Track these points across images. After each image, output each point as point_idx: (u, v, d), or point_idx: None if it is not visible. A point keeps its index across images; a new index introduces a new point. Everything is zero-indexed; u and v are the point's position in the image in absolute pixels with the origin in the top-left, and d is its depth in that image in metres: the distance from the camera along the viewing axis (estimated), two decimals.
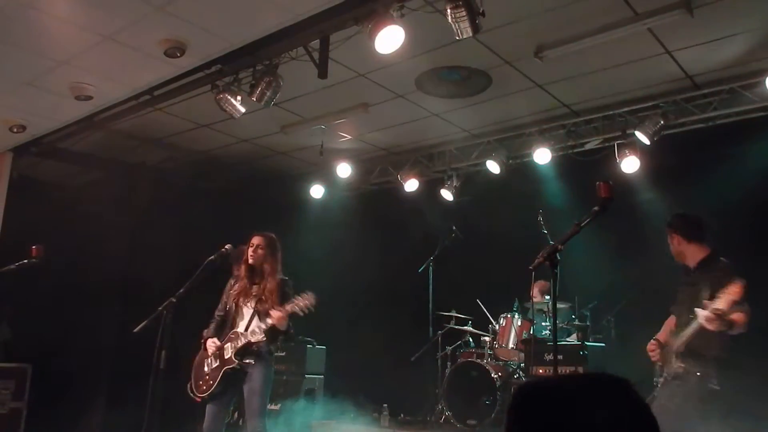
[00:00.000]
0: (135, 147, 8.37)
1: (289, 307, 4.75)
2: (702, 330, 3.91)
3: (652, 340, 4.44)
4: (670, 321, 4.50)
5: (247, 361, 4.85)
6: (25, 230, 6.95)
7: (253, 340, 4.84)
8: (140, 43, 5.30)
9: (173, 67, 5.70)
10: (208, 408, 4.89)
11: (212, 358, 4.94)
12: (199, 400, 4.91)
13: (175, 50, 5.31)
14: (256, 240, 5.07)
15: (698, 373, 4.03)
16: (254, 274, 5.06)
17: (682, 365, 4.08)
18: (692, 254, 4.36)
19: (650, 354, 4.37)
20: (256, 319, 4.89)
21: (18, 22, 5.02)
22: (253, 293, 4.97)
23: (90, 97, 6.25)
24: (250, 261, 5.02)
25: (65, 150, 8.05)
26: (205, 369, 4.94)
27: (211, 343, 4.99)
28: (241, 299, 5.01)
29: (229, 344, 4.90)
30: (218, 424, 4.88)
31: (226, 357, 4.86)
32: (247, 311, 4.96)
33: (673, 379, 4.17)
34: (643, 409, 1.29)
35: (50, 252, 5.69)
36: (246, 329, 4.89)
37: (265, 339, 4.85)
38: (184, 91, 6.27)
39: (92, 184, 9.26)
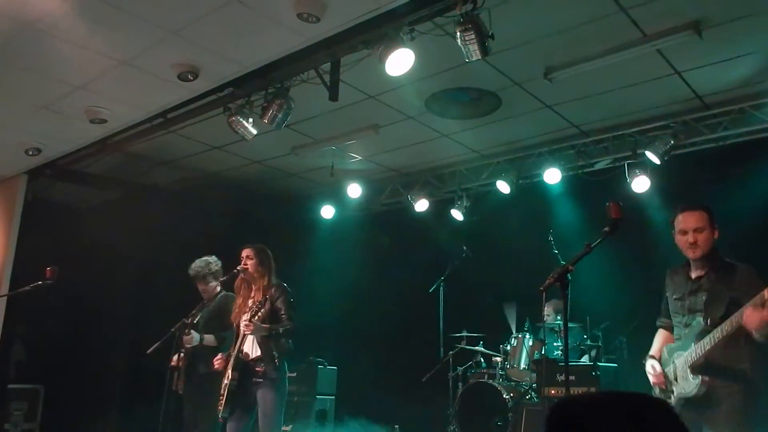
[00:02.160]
0: (148, 169, 8.45)
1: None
2: (733, 336, 3.39)
3: (650, 360, 3.87)
4: (665, 337, 3.99)
5: (256, 379, 4.88)
6: (40, 252, 7.01)
7: (246, 357, 4.95)
8: (154, 67, 5.39)
9: (186, 91, 5.79)
10: (228, 426, 4.92)
11: (224, 377, 5.00)
12: (220, 418, 4.96)
13: (189, 74, 5.39)
14: (245, 252, 5.18)
15: (739, 389, 3.48)
16: (250, 288, 5.11)
17: (706, 379, 3.48)
18: (709, 257, 3.75)
19: (654, 377, 3.78)
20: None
21: (35, 48, 5.12)
22: (249, 307, 5.02)
23: (104, 120, 6.34)
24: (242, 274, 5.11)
25: (79, 172, 8.13)
26: (221, 389, 4.99)
27: (217, 360, 5.06)
28: (239, 317, 5.07)
29: (230, 362, 4.97)
30: None
31: (229, 375, 4.91)
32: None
33: (693, 400, 3.52)
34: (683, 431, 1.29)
35: (63, 273, 5.75)
36: (242, 344, 4.97)
37: (260, 353, 4.92)
38: (197, 113, 6.33)
39: (106, 205, 9.34)
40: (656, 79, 6.00)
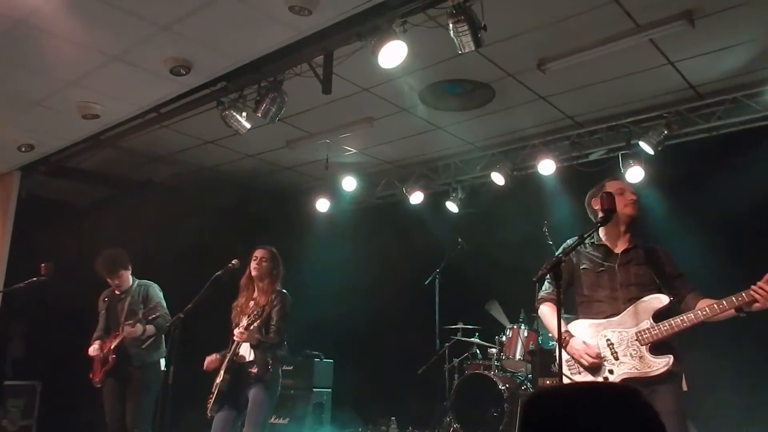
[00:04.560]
0: (142, 164, 8.44)
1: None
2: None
3: (575, 339, 3.48)
4: (556, 312, 3.42)
5: (248, 381, 4.89)
6: (34, 248, 7.00)
7: (237, 359, 4.93)
8: (146, 62, 5.37)
9: (179, 85, 5.77)
10: (214, 422, 4.93)
11: (216, 377, 5.00)
12: (208, 416, 4.96)
13: (181, 68, 5.38)
14: (259, 253, 5.13)
15: (681, 369, 3.36)
16: (254, 289, 5.10)
17: (671, 358, 3.26)
18: (633, 232, 3.63)
19: (590, 357, 3.40)
20: None
21: (26, 44, 5.10)
22: (249, 309, 5.00)
23: (97, 116, 6.32)
24: (254, 273, 5.09)
25: (73, 168, 8.11)
26: (212, 388, 5.00)
27: (209, 361, 5.04)
28: (239, 316, 5.06)
29: (224, 360, 4.97)
30: None
31: (221, 376, 4.91)
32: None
33: (638, 380, 3.28)
34: (653, 419, 1.29)
35: (59, 269, 5.74)
36: (238, 347, 4.95)
37: (253, 358, 4.92)
38: (190, 108, 6.32)
39: (100, 201, 9.32)
40: (649, 69, 6.00)
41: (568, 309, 3.80)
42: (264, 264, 5.07)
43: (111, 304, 5.91)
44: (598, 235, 3.66)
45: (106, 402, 5.75)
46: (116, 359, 5.60)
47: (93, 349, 5.74)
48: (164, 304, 5.86)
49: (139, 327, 5.55)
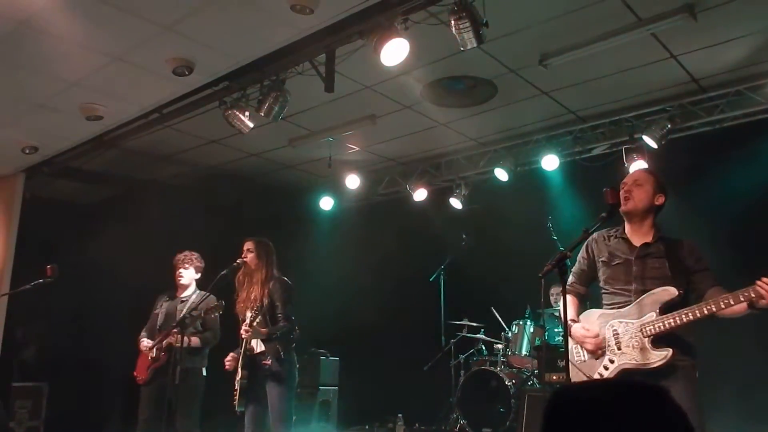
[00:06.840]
0: (145, 164, 8.44)
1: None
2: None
3: (578, 324, 3.55)
4: (577, 303, 3.73)
5: (263, 373, 4.90)
6: (39, 250, 7.02)
7: (252, 352, 4.96)
8: (149, 62, 5.38)
9: (182, 85, 5.78)
10: (246, 418, 4.96)
11: (236, 375, 5.02)
12: (237, 412, 4.99)
13: (183, 68, 5.38)
14: (247, 245, 5.17)
15: (691, 363, 3.32)
16: (251, 281, 5.11)
17: (670, 352, 3.24)
18: (649, 225, 3.57)
19: (592, 341, 3.46)
20: None
21: (28, 46, 5.11)
22: (251, 302, 5.02)
23: (100, 117, 6.33)
24: (246, 267, 5.10)
25: (77, 169, 8.12)
26: (234, 385, 5.02)
27: (229, 360, 5.06)
28: (243, 311, 5.08)
29: (239, 360, 4.99)
30: None
31: (239, 374, 4.93)
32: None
33: (641, 372, 3.28)
34: (681, 418, 1.28)
35: (64, 270, 5.75)
36: (248, 342, 4.98)
37: (264, 349, 4.94)
38: (193, 108, 6.33)
39: (104, 202, 9.34)
40: (652, 63, 5.99)
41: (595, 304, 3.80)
42: (251, 255, 5.10)
43: (170, 305, 5.80)
44: (624, 229, 3.65)
45: (144, 401, 5.62)
46: (167, 358, 5.47)
47: (144, 346, 5.64)
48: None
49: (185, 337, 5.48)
